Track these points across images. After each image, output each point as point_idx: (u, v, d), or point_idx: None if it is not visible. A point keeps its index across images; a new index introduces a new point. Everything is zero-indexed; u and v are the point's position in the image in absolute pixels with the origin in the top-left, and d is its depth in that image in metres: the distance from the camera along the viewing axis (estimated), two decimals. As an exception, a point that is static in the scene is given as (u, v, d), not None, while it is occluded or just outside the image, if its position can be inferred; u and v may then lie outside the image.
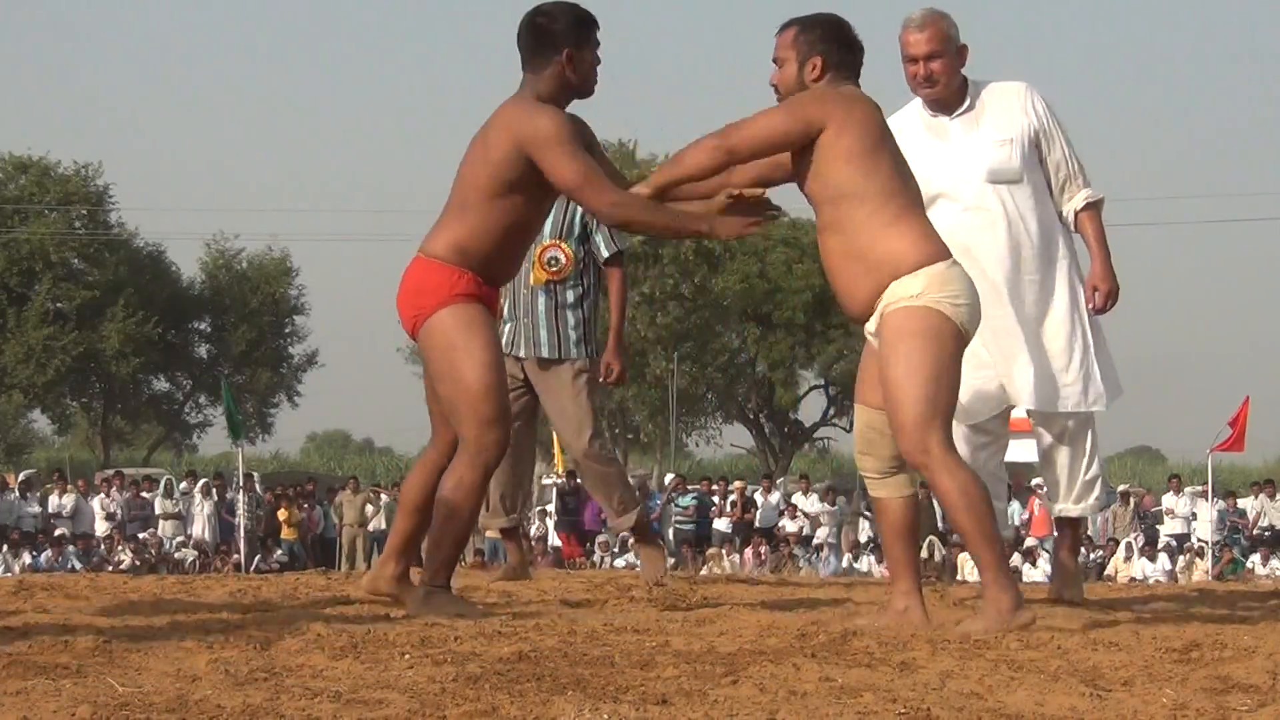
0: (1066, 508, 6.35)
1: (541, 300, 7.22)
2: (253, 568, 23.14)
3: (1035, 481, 28.58)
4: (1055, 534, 6.66)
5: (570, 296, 7.27)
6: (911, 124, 6.18)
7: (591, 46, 5.45)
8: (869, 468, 5.16)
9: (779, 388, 45.27)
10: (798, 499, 27.38)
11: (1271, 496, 25.98)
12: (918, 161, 6.09)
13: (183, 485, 27.38)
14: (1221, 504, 25.63)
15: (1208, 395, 68.55)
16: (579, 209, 7.03)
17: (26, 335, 42.51)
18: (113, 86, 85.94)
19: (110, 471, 30.67)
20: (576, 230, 7.21)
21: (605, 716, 3.29)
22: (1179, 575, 22.44)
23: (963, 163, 6.09)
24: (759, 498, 27.74)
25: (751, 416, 47.80)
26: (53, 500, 26.82)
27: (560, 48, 5.36)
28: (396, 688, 3.56)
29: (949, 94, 6.13)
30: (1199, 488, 26.29)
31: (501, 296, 6.87)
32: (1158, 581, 20.40)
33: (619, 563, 24.67)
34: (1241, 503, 26.87)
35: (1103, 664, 4.09)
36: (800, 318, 43.59)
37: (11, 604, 5.73)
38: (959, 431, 6.15)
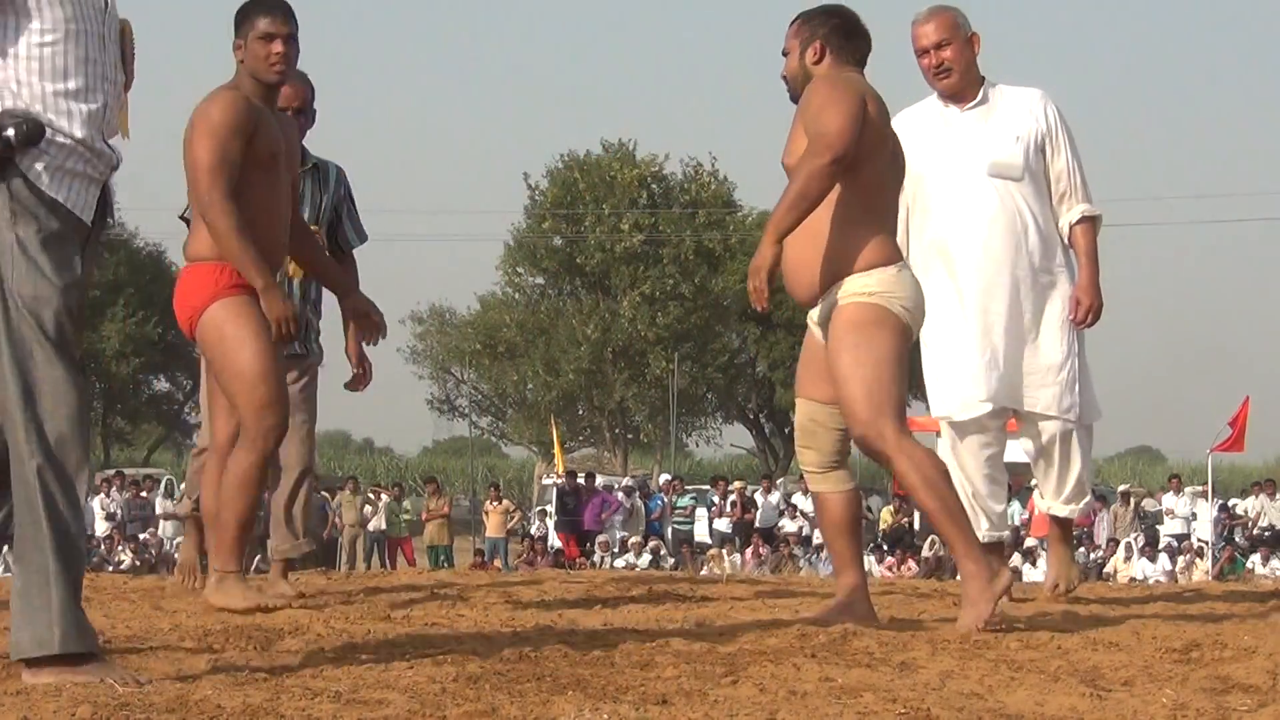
0: (1055, 506, 6.42)
1: (296, 294, 6.55)
2: (253, 568, 23.13)
3: (1035, 481, 28.62)
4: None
5: (315, 289, 6.66)
6: (924, 114, 6.26)
7: (257, 35, 5.49)
8: (810, 461, 5.23)
9: (779, 388, 45.28)
10: (798, 499, 27.38)
11: (1271, 496, 25.97)
12: (924, 149, 6.15)
13: (183, 485, 27.36)
14: (1219, 509, 25.60)
15: (1208, 395, 68.61)
16: (333, 194, 6.63)
17: (27, 335, 42.52)
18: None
19: (110, 471, 30.69)
20: (329, 216, 6.61)
21: (605, 716, 3.29)
22: (1179, 575, 22.44)
23: (967, 154, 6.14)
24: (759, 498, 27.74)
25: (751, 416, 47.81)
26: (52, 500, 26.78)
27: (237, 37, 5.53)
28: (396, 688, 3.56)
29: (964, 84, 6.17)
30: (1199, 488, 26.30)
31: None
32: (1158, 581, 20.40)
33: (619, 563, 24.68)
34: (1241, 503, 26.86)
35: (1103, 664, 4.09)
36: (800, 318, 43.59)
37: (11, 604, 5.72)
38: (971, 440, 6.19)
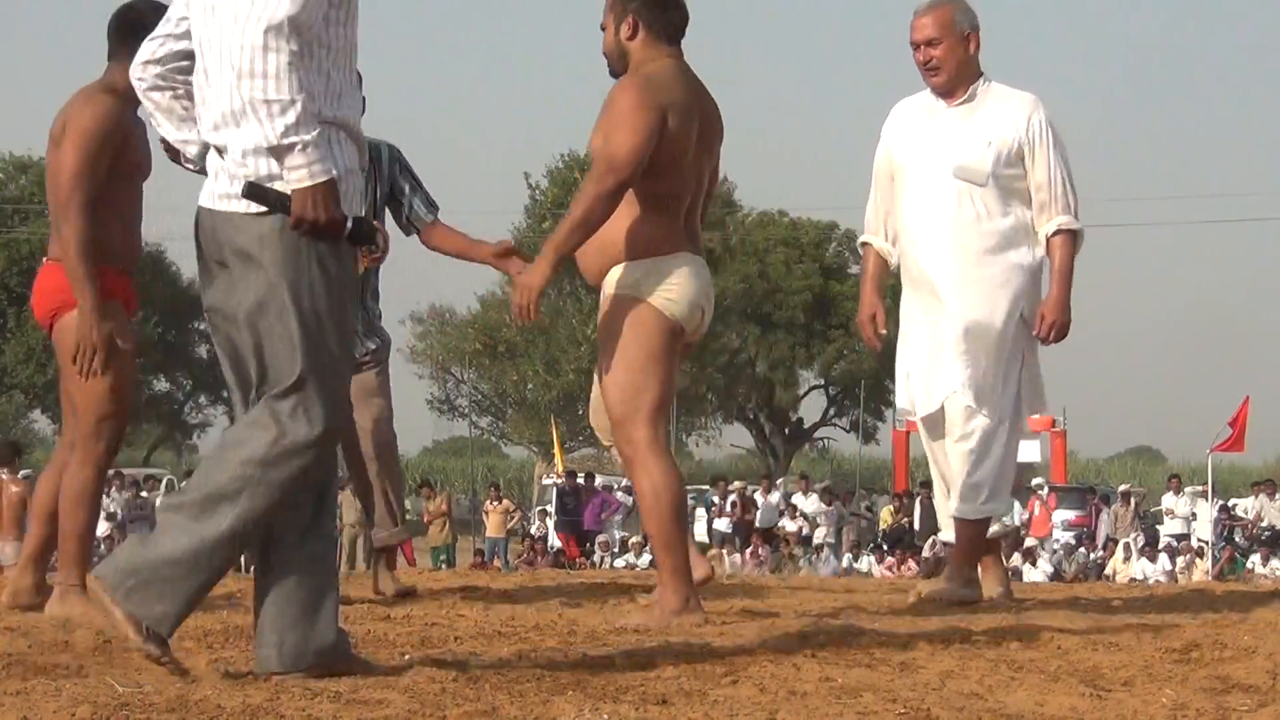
0: (951, 505, 6.16)
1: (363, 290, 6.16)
2: (253, 568, 23.11)
3: (1035, 481, 28.60)
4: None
5: (375, 277, 6.37)
6: (914, 107, 6.21)
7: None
8: (600, 425, 5.39)
9: (779, 388, 45.31)
10: (797, 499, 27.37)
11: (1271, 496, 25.96)
12: (906, 142, 6.12)
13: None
14: (1219, 509, 25.57)
15: (1208, 395, 68.61)
16: (387, 179, 6.22)
17: (27, 335, 42.55)
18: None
19: (110, 471, 30.66)
20: (384, 203, 6.18)
21: (605, 716, 3.29)
22: (1179, 575, 22.44)
23: (939, 153, 6.06)
24: (759, 498, 27.72)
25: (751, 416, 47.80)
26: (53, 500, 26.82)
27: (126, 43, 5.35)
28: (396, 688, 3.56)
29: (953, 83, 6.08)
30: (1199, 488, 26.28)
31: None
32: (1157, 581, 20.40)
33: (619, 563, 24.68)
34: (1241, 503, 26.85)
35: (1103, 664, 4.09)
36: (800, 318, 43.61)
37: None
38: (941, 435, 6.13)
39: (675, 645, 4.33)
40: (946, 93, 6.13)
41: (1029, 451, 34.79)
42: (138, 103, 5.50)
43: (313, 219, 3.62)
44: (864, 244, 6.35)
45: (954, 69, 6.07)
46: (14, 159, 44.80)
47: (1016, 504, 26.22)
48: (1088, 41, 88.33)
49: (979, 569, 6.34)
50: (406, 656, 4.09)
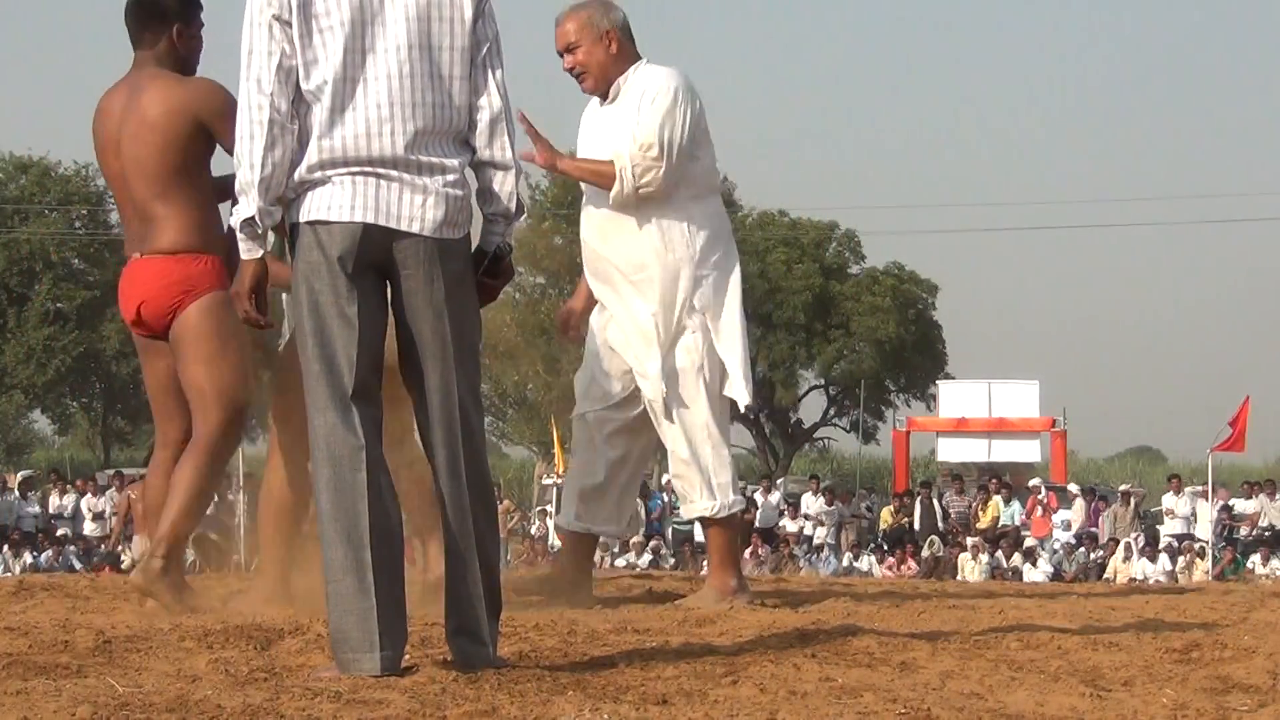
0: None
1: None
2: (252, 567, 23.12)
3: (1034, 482, 28.59)
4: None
5: None
6: (588, 111, 6.16)
7: (197, 25, 5.61)
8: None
9: (779, 388, 45.28)
10: (806, 499, 27.36)
11: (1271, 496, 25.95)
12: (582, 148, 6.11)
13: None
14: (1219, 509, 25.56)
15: (1208, 395, 68.59)
16: None
17: (27, 335, 42.53)
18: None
19: (110, 472, 30.66)
20: None
21: (605, 716, 3.29)
22: (1179, 575, 22.44)
23: (603, 151, 5.98)
24: (759, 498, 27.72)
25: (751, 416, 47.78)
26: (53, 500, 26.83)
27: (170, 23, 5.55)
28: (396, 688, 3.57)
29: (602, 84, 5.99)
30: (1199, 488, 26.27)
31: None
32: (1158, 581, 20.39)
33: (619, 563, 24.69)
34: (1241, 503, 26.83)
35: (1103, 664, 4.09)
36: (800, 318, 43.60)
37: (11, 604, 5.73)
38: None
39: (675, 645, 4.33)
40: (601, 95, 6.03)
41: (1028, 451, 34.78)
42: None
43: None
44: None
45: (598, 71, 5.95)
46: (14, 159, 44.77)
47: (1016, 503, 26.35)
48: (1087, 41, 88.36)
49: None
50: (407, 656, 4.09)
